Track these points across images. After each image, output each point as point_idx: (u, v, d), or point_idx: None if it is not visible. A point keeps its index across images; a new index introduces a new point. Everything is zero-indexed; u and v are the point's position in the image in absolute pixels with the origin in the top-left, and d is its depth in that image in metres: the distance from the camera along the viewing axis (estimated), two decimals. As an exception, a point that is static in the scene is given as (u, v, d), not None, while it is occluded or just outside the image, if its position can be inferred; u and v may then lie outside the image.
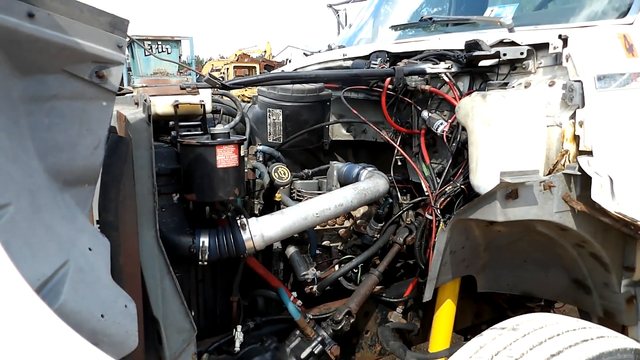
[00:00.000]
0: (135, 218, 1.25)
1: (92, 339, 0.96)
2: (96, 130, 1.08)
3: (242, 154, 1.54)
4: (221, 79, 1.55)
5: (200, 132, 1.66)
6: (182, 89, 1.52)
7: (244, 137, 1.59)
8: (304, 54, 3.07)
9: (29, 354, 0.59)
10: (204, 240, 1.52)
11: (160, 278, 1.34)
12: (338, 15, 3.67)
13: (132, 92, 1.63)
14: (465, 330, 2.42)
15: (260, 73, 14.02)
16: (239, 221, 1.57)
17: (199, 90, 1.61)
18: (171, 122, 1.64)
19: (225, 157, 1.46)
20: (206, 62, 25.37)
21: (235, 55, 17.74)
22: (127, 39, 1.44)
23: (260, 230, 1.58)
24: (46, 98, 1.02)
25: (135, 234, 1.25)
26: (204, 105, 1.61)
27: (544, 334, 1.32)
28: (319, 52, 2.85)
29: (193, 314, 1.69)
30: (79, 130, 1.07)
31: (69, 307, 0.90)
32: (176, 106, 1.55)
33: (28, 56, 0.95)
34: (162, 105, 1.58)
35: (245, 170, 1.83)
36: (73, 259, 0.96)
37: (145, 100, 1.33)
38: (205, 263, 1.53)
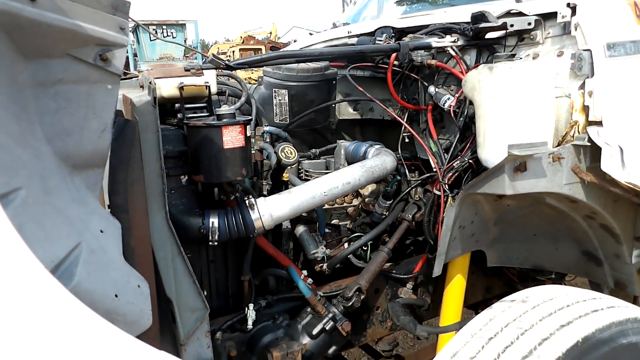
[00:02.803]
0: (145, 200, 1.27)
1: (107, 319, 0.99)
2: (102, 113, 1.09)
3: (248, 135, 1.54)
4: (228, 60, 1.54)
5: (206, 114, 1.66)
6: (186, 70, 1.52)
7: (250, 118, 1.59)
8: (310, 34, 3.04)
9: (48, 333, 0.61)
10: (214, 220, 1.53)
11: (171, 259, 1.36)
12: (342, -8, 3.63)
13: (137, 77, 1.63)
14: (476, 304, 2.43)
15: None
16: (247, 201, 1.58)
17: (204, 71, 1.61)
18: (177, 105, 1.65)
19: (232, 138, 1.46)
20: (212, 45, 25.24)
21: (241, 37, 17.62)
22: (133, 23, 1.44)
23: (269, 209, 1.59)
24: (52, 82, 1.03)
25: (145, 216, 1.27)
26: (209, 86, 1.60)
27: (554, 305, 1.33)
28: (325, 31, 2.82)
29: (205, 293, 1.71)
30: (86, 114, 1.07)
31: (83, 287, 0.92)
32: (181, 88, 1.54)
33: (32, 41, 0.95)
34: (168, 88, 1.58)
35: (253, 152, 1.83)
36: (85, 241, 0.98)
37: (150, 83, 1.34)
38: (216, 243, 1.55)
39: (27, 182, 0.88)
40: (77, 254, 0.95)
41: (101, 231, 1.07)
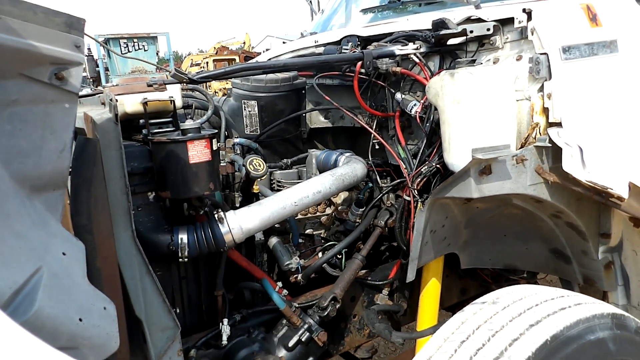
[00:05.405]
0: (110, 219, 1.24)
1: (72, 343, 0.97)
2: (61, 133, 1.07)
3: (215, 148, 1.53)
4: (202, 71, 1.53)
5: (172, 129, 1.65)
6: (149, 86, 1.50)
7: (216, 131, 1.58)
8: (283, 42, 3.05)
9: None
10: (183, 236, 1.51)
11: (140, 278, 1.34)
12: (310, 1, 3.65)
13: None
14: (452, 307, 2.45)
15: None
16: (216, 215, 1.57)
17: (169, 86, 1.59)
18: (142, 120, 1.63)
19: (198, 152, 1.45)
20: (185, 57, 25.08)
21: (214, 48, 17.58)
22: (102, 38, 1.42)
23: (239, 222, 1.58)
24: (6, 104, 1.00)
25: (110, 236, 1.24)
26: (173, 101, 1.59)
27: (523, 305, 1.35)
28: (293, 40, 2.83)
29: (178, 311, 1.69)
30: (43, 135, 1.05)
31: (45, 312, 0.89)
32: (145, 104, 1.53)
33: (-18, 62, 0.93)
34: (132, 104, 1.56)
35: (224, 164, 1.82)
36: (47, 264, 0.95)
37: (111, 100, 1.32)
38: (186, 259, 1.53)
39: (-19, 208, 0.85)
40: (38, 279, 0.93)
41: (63, 254, 1.05)
